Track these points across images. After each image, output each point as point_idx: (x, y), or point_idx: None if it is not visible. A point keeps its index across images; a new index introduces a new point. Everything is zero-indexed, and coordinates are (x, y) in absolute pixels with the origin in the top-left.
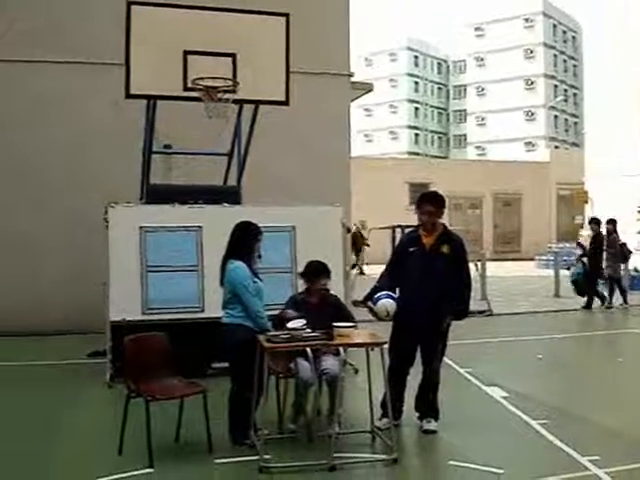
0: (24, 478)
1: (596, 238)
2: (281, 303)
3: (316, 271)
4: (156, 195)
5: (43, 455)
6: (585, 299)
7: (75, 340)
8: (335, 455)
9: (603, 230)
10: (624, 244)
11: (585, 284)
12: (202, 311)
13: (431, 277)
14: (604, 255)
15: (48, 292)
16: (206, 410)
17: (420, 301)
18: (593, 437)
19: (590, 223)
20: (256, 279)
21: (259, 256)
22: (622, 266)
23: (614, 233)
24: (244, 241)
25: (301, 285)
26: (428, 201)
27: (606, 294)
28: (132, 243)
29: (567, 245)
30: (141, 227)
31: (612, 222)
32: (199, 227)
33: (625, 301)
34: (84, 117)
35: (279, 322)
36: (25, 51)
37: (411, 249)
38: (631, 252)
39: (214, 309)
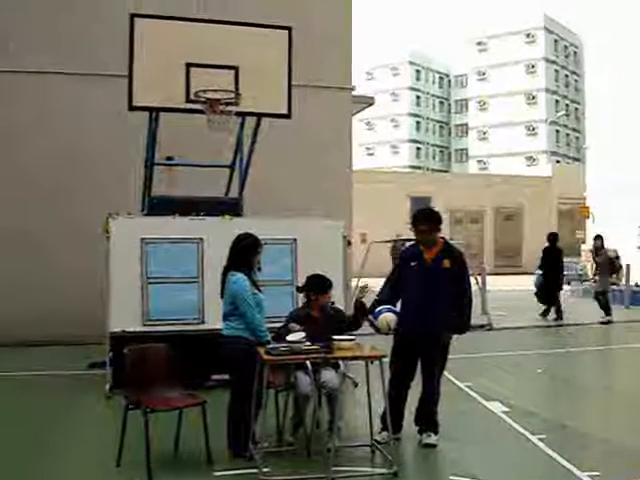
0: None
1: (550, 252)
2: (282, 315)
3: (320, 285)
4: (158, 207)
5: (41, 466)
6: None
7: (74, 351)
8: (334, 469)
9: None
10: (614, 258)
11: (544, 295)
12: (202, 323)
13: (432, 291)
14: (594, 269)
15: (47, 303)
16: (205, 422)
17: (421, 315)
18: (593, 452)
19: (595, 239)
20: (256, 291)
21: (259, 268)
22: (610, 281)
23: (602, 248)
24: (245, 253)
25: (302, 298)
26: (421, 220)
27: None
28: (133, 254)
29: (568, 260)
30: (142, 239)
31: (599, 238)
32: (200, 239)
33: (609, 314)
34: (87, 128)
35: (279, 336)
36: (30, 62)
37: (412, 264)
38: (621, 266)
39: (214, 321)
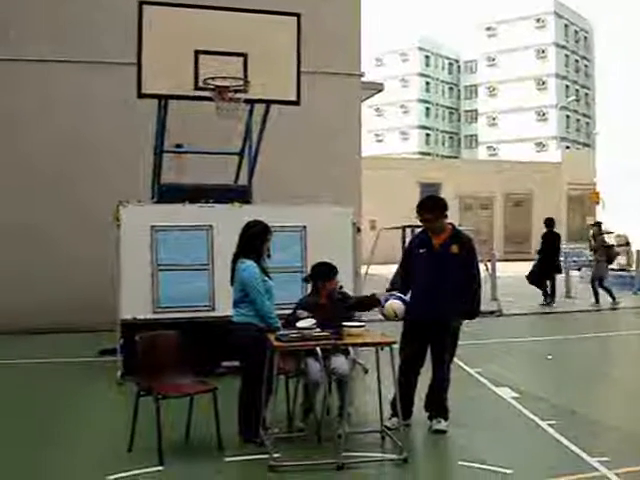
0: (34, 474)
1: (548, 237)
2: (292, 302)
3: (325, 273)
4: (167, 194)
5: (54, 451)
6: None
7: (85, 338)
8: (344, 454)
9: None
10: (612, 245)
11: (537, 279)
12: (213, 310)
13: (441, 277)
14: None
15: (58, 290)
16: (216, 408)
17: (430, 301)
18: (603, 438)
19: (592, 226)
20: (266, 278)
21: (269, 255)
22: (607, 268)
23: (600, 235)
24: (254, 240)
25: (310, 285)
26: (425, 209)
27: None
28: (143, 242)
29: (578, 246)
30: (152, 226)
31: (598, 224)
32: (210, 226)
33: (613, 298)
34: (96, 116)
35: (290, 321)
36: (38, 50)
37: (421, 250)
38: (618, 253)
39: (225, 308)
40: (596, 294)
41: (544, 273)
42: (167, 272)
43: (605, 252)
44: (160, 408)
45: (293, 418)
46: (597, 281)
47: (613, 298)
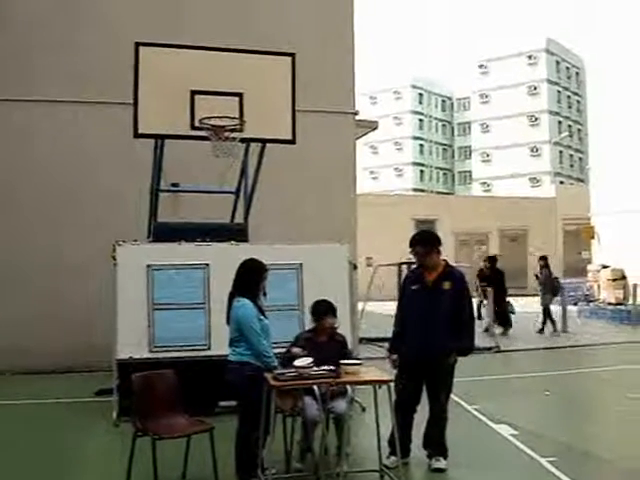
0: None
1: (493, 275)
2: (288, 340)
3: (320, 310)
4: (163, 233)
5: None
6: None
7: (82, 378)
8: None
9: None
10: (556, 278)
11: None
12: (209, 349)
13: (434, 314)
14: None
15: (55, 331)
16: (213, 448)
17: (424, 338)
18: (603, 475)
19: (539, 259)
20: (262, 317)
21: (265, 293)
22: (552, 298)
23: (545, 268)
24: (250, 278)
25: (308, 323)
26: (416, 243)
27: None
28: (139, 281)
29: (574, 280)
30: (148, 265)
31: (543, 258)
32: (206, 264)
33: (555, 329)
34: (93, 156)
35: (285, 359)
36: (38, 90)
37: (414, 287)
38: (561, 286)
39: (221, 347)
40: (552, 321)
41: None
42: (163, 311)
43: (551, 285)
44: (156, 448)
45: (291, 458)
46: (547, 309)
47: (555, 329)
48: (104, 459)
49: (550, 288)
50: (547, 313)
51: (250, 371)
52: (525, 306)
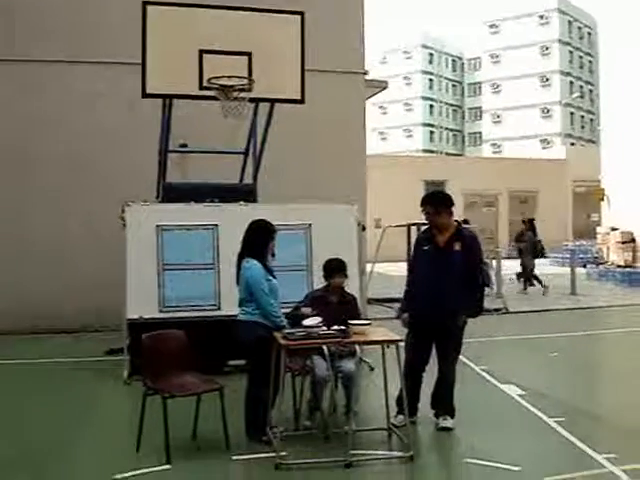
0: (43, 474)
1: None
2: (296, 301)
3: (330, 268)
4: (172, 194)
5: (61, 452)
6: None
7: (92, 338)
8: (351, 452)
9: None
10: (539, 241)
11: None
12: (218, 309)
13: (445, 274)
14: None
15: (65, 290)
16: (223, 407)
17: (435, 299)
18: (610, 435)
19: (523, 222)
20: (270, 277)
21: (273, 254)
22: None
23: (530, 231)
24: (258, 239)
25: (317, 283)
26: (428, 203)
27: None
28: (149, 241)
29: (583, 243)
30: (158, 226)
31: (530, 222)
32: (215, 225)
33: (542, 285)
34: (100, 117)
35: (294, 318)
36: (43, 51)
37: (425, 247)
38: (544, 249)
39: (230, 307)
40: (538, 279)
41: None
42: (173, 271)
43: (533, 247)
44: (167, 407)
45: (300, 416)
46: (528, 272)
47: (543, 286)
48: (115, 417)
49: (532, 250)
50: (531, 274)
51: (260, 331)
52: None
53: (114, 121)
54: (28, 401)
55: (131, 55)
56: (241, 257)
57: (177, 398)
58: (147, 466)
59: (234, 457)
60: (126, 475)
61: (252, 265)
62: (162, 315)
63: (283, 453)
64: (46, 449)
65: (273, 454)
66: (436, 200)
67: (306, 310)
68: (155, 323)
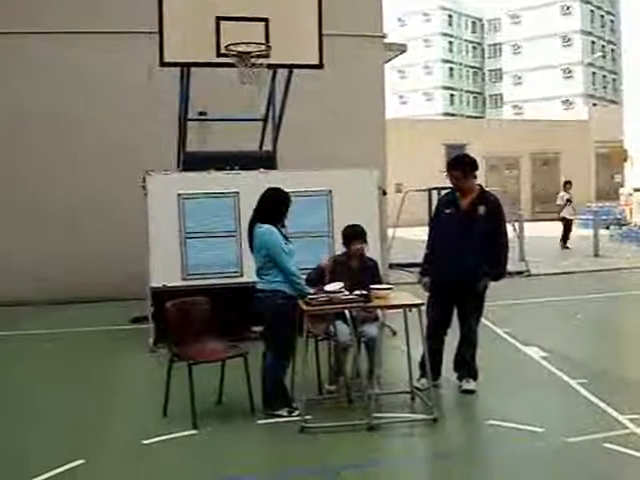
0: (72, 439)
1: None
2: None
3: (348, 235)
4: (192, 162)
5: (90, 418)
6: None
7: (116, 307)
8: (375, 415)
9: None
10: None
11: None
12: (241, 275)
13: (468, 238)
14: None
15: (88, 260)
16: (247, 373)
17: (457, 262)
18: (633, 396)
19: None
20: (287, 241)
21: (283, 225)
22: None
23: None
24: (274, 208)
25: (338, 249)
26: (455, 166)
27: None
28: (170, 210)
29: (606, 204)
30: (179, 194)
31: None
32: (236, 193)
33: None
34: (119, 87)
35: (314, 274)
36: (58, 22)
37: (447, 210)
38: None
39: (253, 274)
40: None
41: None
42: (195, 239)
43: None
44: (192, 373)
45: (323, 381)
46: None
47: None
48: (142, 384)
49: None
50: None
51: (280, 299)
52: (559, 230)
53: (133, 91)
54: (55, 367)
55: (148, 24)
56: (252, 224)
57: (202, 364)
58: (174, 431)
59: (259, 421)
60: (154, 440)
61: (268, 228)
62: (185, 283)
63: (307, 417)
64: (74, 416)
65: (298, 418)
66: (463, 164)
67: (325, 263)
68: (178, 291)
